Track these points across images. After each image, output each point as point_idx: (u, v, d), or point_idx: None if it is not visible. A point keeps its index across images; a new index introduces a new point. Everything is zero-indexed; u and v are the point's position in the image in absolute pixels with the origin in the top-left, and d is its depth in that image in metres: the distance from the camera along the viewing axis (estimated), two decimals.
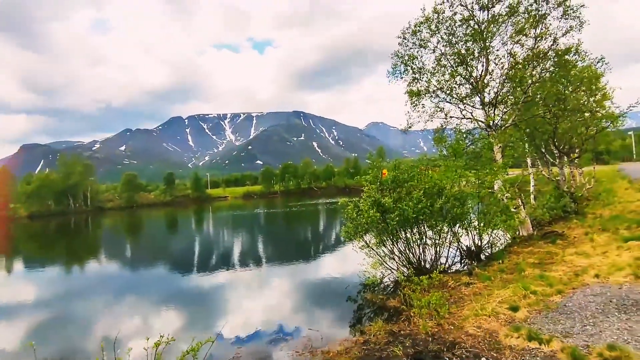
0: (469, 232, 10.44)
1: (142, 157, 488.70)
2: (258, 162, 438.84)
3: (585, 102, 18.12)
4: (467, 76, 14.32)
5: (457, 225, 9.78)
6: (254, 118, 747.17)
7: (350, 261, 13.71)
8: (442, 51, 14.72)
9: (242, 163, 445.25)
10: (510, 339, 5.20)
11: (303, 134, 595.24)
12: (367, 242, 9.44)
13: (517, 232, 13.58)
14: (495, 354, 4.87)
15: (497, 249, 11.22)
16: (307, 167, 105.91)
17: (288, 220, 34.98)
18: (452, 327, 5.84)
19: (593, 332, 4.96)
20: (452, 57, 14.34)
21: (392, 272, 9.56)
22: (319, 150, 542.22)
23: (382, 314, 7.31)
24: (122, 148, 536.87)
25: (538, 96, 14.09)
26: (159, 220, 46.12)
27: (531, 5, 13.10)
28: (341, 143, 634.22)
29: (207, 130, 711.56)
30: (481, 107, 14.33)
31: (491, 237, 10.81)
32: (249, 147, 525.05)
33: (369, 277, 9.11)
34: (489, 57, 14.07)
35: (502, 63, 14.05)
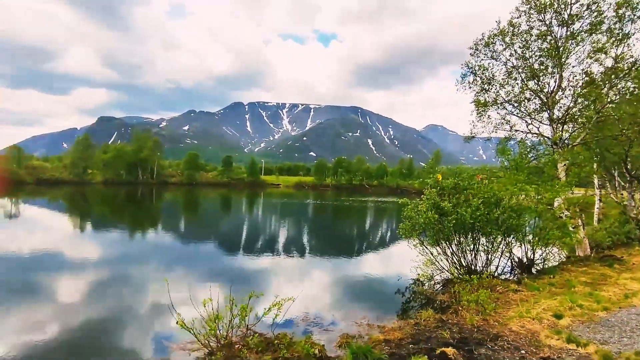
0: (523, 245, 10.77)
1: (203, 138, 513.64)
2: (311, 153, 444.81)
3: None
4: (537, 91, 14.36)
5: (512, 236, 10.18)
6: (312, 110, 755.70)
7: (401, 258, 14.47)
8: (514, 64, 14.85)
9: (296, 153, 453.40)
10: (550, 339, 5.80)
11: (359, 130, 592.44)
12: (422, 241, 10.17)
13: (574, 252, 13.54)
14: (534, 349, 5.51)
15: (549, 264, 11.42)
16: (360, 164, 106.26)
17: (340, 214, 36.05)
18: (496, 323, 6.51)
19: (628, 343, 5.45)
20: (524, 71, 14.43)
21: (443, 271, 10.23)
22: (373, 148, 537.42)
23: (432, 306, 8.07)
24: (186, 128, 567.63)
25: (612, 116, 13.78)
26: (215, 200, 49.09)
27: (615, 24, 12.87)
28: (396, 142, 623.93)
29: (265, 118, 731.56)
30: (549, 123, 14.32)
31: (545, 253, 11.05)
32: (304, 138, 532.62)
33: (420, 273, 9.88)
34: (563, 73, 14.01)
35: (576, 80, 13.93)
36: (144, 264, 12.59)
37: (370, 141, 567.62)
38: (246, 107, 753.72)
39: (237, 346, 5.48)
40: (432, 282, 9.97)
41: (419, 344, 5.68)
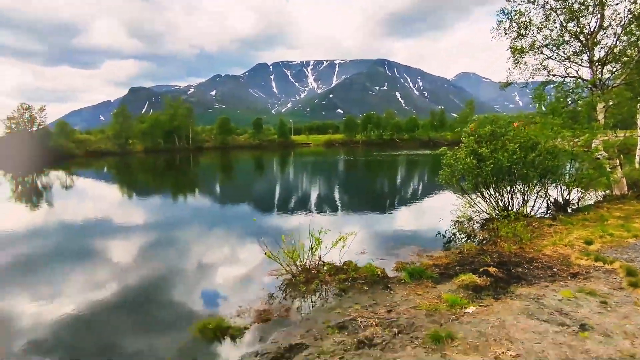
0: (558, 186, 11.38)
1: (230, 101, 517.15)
2: (339, 110, 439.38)
3: None
4: (577, 32, 14.18)
5: (547, 177, 10.80)
6: (337, 66, 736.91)
7: (440, 203, 15.43)
8: (552, 6, 14.59)
9: (323, 111, 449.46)
10: (580, 260, 6.71)
11: (386, 84, 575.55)
12: (461, 186, 11.02)
13: (610, 191, 13.92)
14: (565, 267, 6.45)
15: (585, 204, 11.96)
16: (390, 118, 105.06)
17: (375, 168, 36.89)
18: (531, 250, 7.45)
19: None
20: (563, 12, 14.20)
21: (481, 213, 11.12)
22: (402, 101, 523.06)
23: (472, 241, 9.07)
24: (213, 93, 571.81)
25: None
26: (248, 162, 50.89)
27: None
28: (426, 94, 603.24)
29: (290, 77, 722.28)
30: (588, 65, 14.23)
31: (580, 193, 11.60)
32: (330, 96, 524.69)
33: (460, 215, 10.82)
34: (605, 12, 13.72)
35: (619, 19, 13.63)
36: (180, 225, 13.30)
37: (398, 94, 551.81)
38: (270, 67, 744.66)
39: (313, 271, 6.77)
40: (471, 223, 10.90)
41: (464, 266, 6.75)
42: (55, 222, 14.20)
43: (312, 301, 5.87)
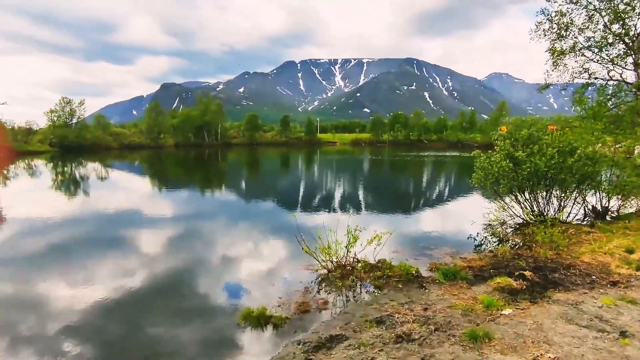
0: (597, 192, 11.08)
1: (258, 99, 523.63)
2: (365, 109, 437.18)
3: None
4: (621, 34, 13.72)
5: (586, 183, 10.55)
6: (365, 64, 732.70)
7: (472, 205, 15.28)
8: (596, 7, 14.17)
9: (349, 110, 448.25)
10: (621, 269, 6.60)
11: (414, 83, 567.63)
12: (495, 189, 10.93)
13: None
14: (604, 276, 6.37)
15: (625, 212, 11.60)
16: (418, 118, 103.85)
17: (404, 168, 36.68)
18: (568, 257, 7.37)
19: None
20: (608, 13, 13.77)
21: (514, 217, 11.00)
22: (430, 101, 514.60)
23: (506, 245, 9.02)
24: (241, 90, 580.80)
25: None
26: (275, 159, 51.50)
27: None
28: (455, 94, 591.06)
29: (317, 75, 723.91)
30: (633, 68, 13.76)
31: (620, 201, 11.26)
32: (357, 94, 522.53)
33: (493, 218, 10.75)
34: None
35: None
36: (206, 219, 13.59)
37: (427, 94, 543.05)
38: (298, 65, 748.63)
39: (348, 267, 6.97)
40: (504, 227, 10.79)
41: (499, 269, 6.77)
42: (91, 211, 14.81)
43: (348, 296, 6.07)
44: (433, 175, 30.86)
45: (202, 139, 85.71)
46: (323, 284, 6.61)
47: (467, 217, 12.24)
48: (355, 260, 7.22)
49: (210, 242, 10.20)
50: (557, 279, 6.23)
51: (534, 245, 8.13)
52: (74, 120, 66.35)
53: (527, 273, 6.27)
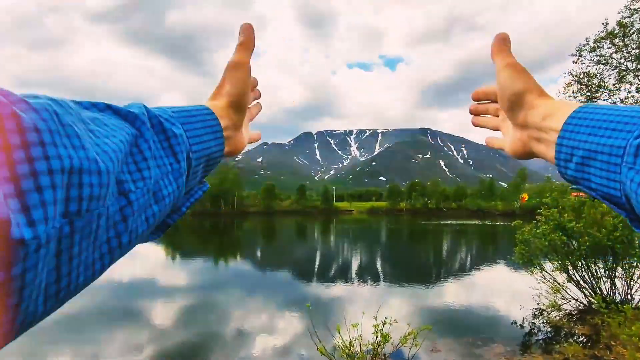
0: None
1: (275, 168, 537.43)
2: (381, 178, 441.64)
3: None
4: None
5: None
6: (379, 134, 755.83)
7: (512, 284, 13.41)
8: (628, 67, 13.51)
9: (365, 178, 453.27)
10: None
11: (429, 152, 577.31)
12: (541, 266, 9.31)
13: None
14: None
15: None
16: (435, 186, 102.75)
17: (426, 240, 34.73)
18: None
19: None
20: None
21: (570, 300, 9.20)
22: (446, 169, 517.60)
23: (569, 339, 7.22)
24: (259, 160, 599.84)
25: None
26: (291, 228, 50.28)
27: None
28: (471, 162, 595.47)
29: (333, 145, 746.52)
30: None
31: None
32: (373, 163, 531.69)
33: (547, 302, 8.96)
34: None
35: None
36: (221, 290, 13.22)
37: (442, 162, 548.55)
38: (315, 135, 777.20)
39: None
40: (560, 313, 8.97)
41: None
42: (102, 278, 13.94)
43: None
44: (460, 247, 28.70)
45: (218, 207, 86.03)
46: None
47: (513, 301, 10.44)
48: None
49: (220, 318, 9.65)
50: None
51: (613, 343, 6.37)
52: None
53: None
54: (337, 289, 13.06)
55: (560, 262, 8.77)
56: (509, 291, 12.39)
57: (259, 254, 25.26)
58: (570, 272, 8.96)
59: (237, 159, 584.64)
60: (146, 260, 20.51)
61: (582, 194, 10.86)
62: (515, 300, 10.30)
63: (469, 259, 21.32)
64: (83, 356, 7.04)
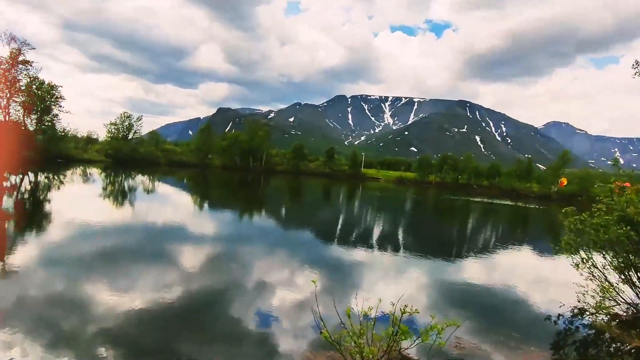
0: None
1: (306, 129, 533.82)
2: (413, 148, 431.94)
3: None
4: None
5: None
6: (415, 103, 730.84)
7: (554, 275, 12.20)
8: None
9: (396, 147, 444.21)
10: None
11: (466, 126, 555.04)
12: (593, 261, 8.08)
13: None
14: None
15: None
16: (468, 161, 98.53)
17: (455, 216, 33.22)
18: None
19: None
20: None
21: (621, 304, 8.00)
22: (481, 145, 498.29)
23: (616, 348, 6.16)
24: (291, 119, 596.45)
25: None
26: (317, 190, 49.72)
27: None
28: (509, 140, 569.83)
29: (367, 111, 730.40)
30: None
31: None
32: (406, 133, 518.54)
33: (595, 303, 7.79)
34: None
35: None
36: (245, 244, 13.11)
37: (478, 138, 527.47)
38: (349, 99, 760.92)
39: None
40: (609, 317, 7.83)
41: None
42: (138, 222, 15.60)
43: None
44: (491, 227, 27.14)
45: (247, 163, 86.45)
46: None
47: (550, 295, 9.35)
48: (399, 357, 4.81)
49: (242, 268, 10.04)
50: None
51: None
52: (131, 135, 69.25)
53: None
54: (357, 255, 12.72)
55: (622, 259, 7.51)
56: (545, 283, 11.21)
57: (283, 211, 25.32)
58: (627, 272, 7.71)
59: (269, 116, 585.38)
60: (178, 207, 21.57)
61: (619, 183, 9.18)
62: (552, 294, 9.25)
63: (498, 241, 19.94)
64: (116, 289, 7.43)
